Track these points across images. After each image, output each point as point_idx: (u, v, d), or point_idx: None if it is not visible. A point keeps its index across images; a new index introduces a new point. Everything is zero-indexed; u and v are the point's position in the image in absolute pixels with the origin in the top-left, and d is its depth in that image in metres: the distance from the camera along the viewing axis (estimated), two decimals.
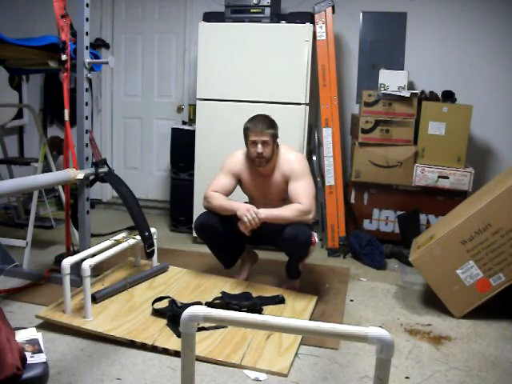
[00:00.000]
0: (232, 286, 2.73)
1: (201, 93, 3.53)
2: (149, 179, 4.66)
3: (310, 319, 2.42)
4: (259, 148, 2.56)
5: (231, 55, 3.44)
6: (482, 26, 3.76)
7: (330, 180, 3.50)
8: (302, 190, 2.56)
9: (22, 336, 1.89)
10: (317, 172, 3.68)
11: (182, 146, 3.83)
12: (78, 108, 2.62)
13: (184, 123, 4.13)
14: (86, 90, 2.61)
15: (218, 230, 2.65)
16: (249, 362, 2.03)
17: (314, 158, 3.75)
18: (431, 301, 2.72)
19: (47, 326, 2.25)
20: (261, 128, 2.55)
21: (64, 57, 2.56)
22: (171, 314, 2.27)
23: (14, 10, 4.51)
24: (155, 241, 2.80)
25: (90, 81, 2.65)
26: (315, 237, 2.59)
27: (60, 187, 3.40)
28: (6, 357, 1.58)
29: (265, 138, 2.56)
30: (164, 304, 2.40)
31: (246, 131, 2.61)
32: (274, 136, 2.61)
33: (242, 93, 3.44)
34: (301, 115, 3.38)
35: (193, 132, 3.66)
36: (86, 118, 2.64)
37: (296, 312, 2.49)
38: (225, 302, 2.43)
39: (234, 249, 2.83)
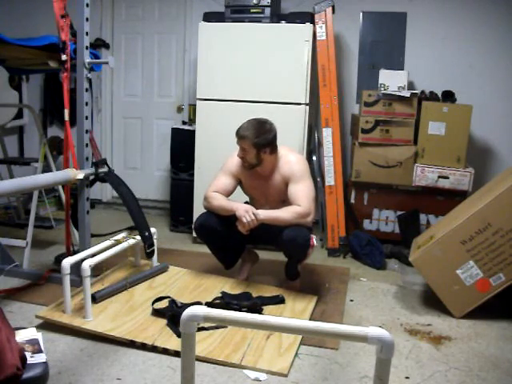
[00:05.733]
0: (232, 286, 2.73)
1: (201, 93, 3.53)
2: (149, 179, 4.66)
3: (310, 319, 2.42)
4: (239, 152, 2.60)
5: (231, 55, 3.44)
6: (482, 26, 3.76)
7: (330, 180, 3.50)
8: (302, 193, 2.56)
9: (21, 336, 1.89)
10: (317, 172, 3.68)
11: (182, 146, 3.82)
12: (78, 108, 2.62)
13: (184, 123, 4.13)
14: (86, 89, 2.61)
15: (217, 230, 2.65)
16: (249, 362, 2.03)
17: (314, 158, 3.75)
18: (431, 301, 2.72)
19: (47, 326, 2.25)
20: (241, 134, 2.56)
21: (64, 57, 2.56)
22: (171, 313, 2.27)
23: (14, 10, 4.51)
24: (155, 241, 2.80)
25: (90, 81, 2.65)
26: (314, 239, 2.59)
27: (60, 187, 3.40)
28: (5, 357, 1.58)
29: (243, 145, 2.57)
30: (164, 304, 2.40)
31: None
32: (258, 145, 2.54)
33: (242, 93, 3.44)
34: (301, 115, 3.38)
35: (193, 132, 3.66)
36: (86, 118, 2.64)
37: (296, 312, 2.49)
38: (225, 302, 2.43)
39: (234, 249, 2.83)
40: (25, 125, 4.64)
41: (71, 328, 2.21)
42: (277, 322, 1.35)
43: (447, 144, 3.43)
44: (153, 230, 2.79)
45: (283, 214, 2.52)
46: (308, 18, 3.38)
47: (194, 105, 3.68)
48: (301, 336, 2.20)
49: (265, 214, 2.52)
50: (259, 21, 3.42)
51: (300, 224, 2.52)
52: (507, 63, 3.76)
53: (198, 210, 3.14)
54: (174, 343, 2.11)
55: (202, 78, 3.51)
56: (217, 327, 2.23)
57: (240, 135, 2.57)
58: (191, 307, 1.40)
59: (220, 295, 2.52)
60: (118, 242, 2.62)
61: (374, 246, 3.39)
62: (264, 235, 2.63)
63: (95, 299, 2.37)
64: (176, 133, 3.90)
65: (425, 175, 3.45)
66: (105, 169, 2.74)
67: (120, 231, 2.79)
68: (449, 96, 3.54)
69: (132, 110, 4.61)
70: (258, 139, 2.54)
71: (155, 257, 2.85)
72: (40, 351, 1.83)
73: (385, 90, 3.50)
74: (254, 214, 2.48)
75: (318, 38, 3.40)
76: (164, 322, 2.28)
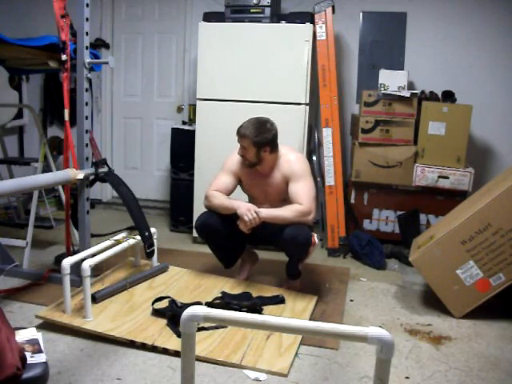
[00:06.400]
0: (232, 286, 2.73)
1: (201, 93, 3.53)
2: (149, 179, 4.66)
3: (310, 319, 2.42)
4: (240, 150, 2.62)
5: (231, 55, 3.44)
6: (482, 26, 3.76)
7: (330, 180, 3.50)
8: (302, 191, 2.56)
9: (21, 336, 1.89)
10: (317, 172, 3.68)
11: (182, 146, 3.82)
12: (78, 108, 2.62)
13: (184, 123, 4.13)
14: (86, 90, 2.61)
15: (218, 229, 2.65)
16: (249, 362, 2.03)
17: (314, 158, 3.75)
18: (431, 301, 2.72)
19: (47, 326, 2.25)
20: (242, 133, 2.58)
21: (64, 57, 2.56)
22: (171, 314, 2.27)
23: (14, 10, 4.51)
24: (155, 241, 2.81)
25: (90, 81, 2.65)
26: (315, 238, 2.59)
27: (60, 187, 3.40)
28: (6, 357, 1.58)
29: (243, 143, 2.59)
30: (164, 304, 2.40)
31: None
32: (258, 144, 2.56)
33: (242, 93, 3.44)
34: (301, 115, 3.38)
35: (193, 132, 3.66)
36: (86, 118, 2.64)
37: (296, 312, 2.49)
38: (225, 302, 2.43)
39: (235, 248, 2.83)
40: (25, 125, 4.64)
41: (71, 328, 2.21)
42: (277, 321, 1.35)
43: (447, 144, 3.43)
44: (153, 230, 2.79)
45: (284, 212, 2.52)
46: (308, 18, 3.38)
47: (194, 105, 3.68)
48: (301, 336, 2.20)
49: (266, 212, 2.52)
50: (259, 21, 3.42)
51: (301, 222, 2.52)
52: (507, 63, 3.76)
53: (198, 209, 3.14)
54: (174, 343, 2.11)
55: (201, 78, 3.51)
56: (217, 327, 2.23)
57: (240, 134, 2.59)
58: (191, 307, 1.40)
59: (220, 295, 2.52)
60: (118, 242, 2.62)
61: (374, 246, 3.39)
62: (265, 235, 2.64)
63: (95, 299, 2.37)
64: (176, 133, 3.90)
65: (425, 175, 3.45)
66: (105, 169, 2.74)
67: (120, 231, 2.79)
68: (449, 96, 3.54)
69: (132, 110, 4.61)
70: (258, 138, 2.55)
71: (155, 257, 2.85)
72: (40, 351, 1.83)
73: (385, 90, 3.49)
74: (255, 212, 2.48)
75: (317, 38, 3.40)
76: (164, 321, 2.28)
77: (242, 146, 2.60)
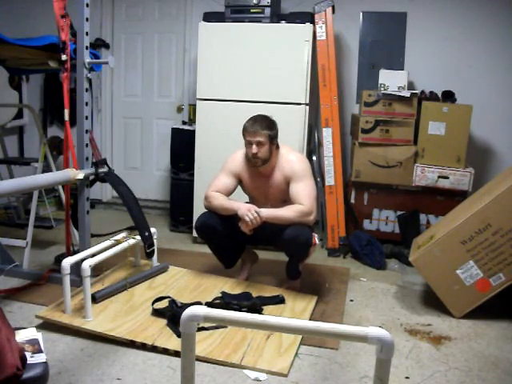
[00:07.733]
0: (232, 286, 2.73)
1: (201, 93, 3.53)
2: (149, 179, 4.66)
3: (310, 319, 2.42)
4: (254, 148, 2.56)
5: (231, 55, 3.44)
6: (482, 26, 3.76)
7: (330, 180, 3.50)
8: (304, 191, 2.56)
9: (21, 336, 1.89)
10: (317, 172, 3.67)
11: (182, 146, 3.83)
12: (78, 108, 2.62)
13: (184, 123, 4.13)
14: (86, 90, 2.61)
15: (218, 229, 2.65)
16: (249, 362, 2.03)
17: (314, 158, 3.75)
18: (431, 301, 2.72)
19: (47, 326, 2.25)
20: (256, 128, 2.55)
21: (64, 57, 2.56)
22: (171, 313, 2.27)
23: (14, 10, 4.51)
24: (155, 241, 2.81)
25: (90, 81, 2.65)
26: (316, 238, 2.59)
27: (60, 187, 3.40)
28: (5, 357, 1.58)
29: (259, 138, 2.55)
30: (164, 304, 2.40)
31: (243, 131, 2.62)
32: (271, 137, 2.58)
33: (242, 93, 3.44)
34: (301, 115, 3.38)
35: (193, 132, 3.66)
36: (86, 118, 2.64)
37: (296, 312, 2.49)
38: (225, 302, 2.43)
39: (235, 249, 2.83)
40: (25, 125, 4.65)
41: (71, 328, 2.21)
42: (277, 321, 1.35)
43: (447, 144, 3.43)
44: (153, 230, 2.79)
45: (286, 212, 2.52)
46: (308, 18, 3.38)
47: (194, 105, 3.68)
48: (301, 336, 2.20)
49: (267, 212, 2.51)
50: (259, 21, 3.42)
51: (302, 223, 2.52)
52: (507, 63, 3.76)
53: (198, 209, 3.14)
54: (174, 343, 2.11)
55: (202, 78, 3.51)
56: (217, 327, 2.23)
57: (254, 130, 2.55)
58: (191, 307, 1.40)
59: (220, 295, 2.52)
60: (118, 242, 2.62)
61: (374, 246, 3.39)
62: (265, 235, 2.63)
63: (95, 299, 2.37)
64: (176, 133, 3.90)
65: (425, 175, 3.45)
66: (105, 169, 2.74)
67: (120, 231, 2.79)
68: (449, 96, 3.54)
69: (132, 110, 4.61)
70: (272, 131, 2.58)
71: (155, 257, 2.85)
72: (40, 351, 1.83)
73: (385, 90, 3.50)
74: (256, 212, 2.48)
75: (318, 38, 3.40)
76: (164, 322, 2.28)
77: (258, 142, 2.55)
